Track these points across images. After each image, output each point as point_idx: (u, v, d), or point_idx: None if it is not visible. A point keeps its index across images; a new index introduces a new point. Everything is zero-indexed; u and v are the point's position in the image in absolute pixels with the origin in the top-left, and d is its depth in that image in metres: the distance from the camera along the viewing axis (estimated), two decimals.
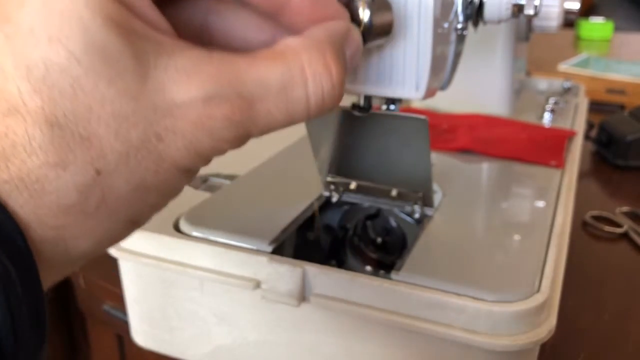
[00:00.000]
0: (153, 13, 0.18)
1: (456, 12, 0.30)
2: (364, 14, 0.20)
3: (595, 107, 0.78)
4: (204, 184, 0.40)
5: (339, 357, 0.29)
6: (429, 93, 0.28)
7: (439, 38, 0.28)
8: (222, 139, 0.18)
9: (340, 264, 0.37)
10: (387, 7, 0.22)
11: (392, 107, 0.30)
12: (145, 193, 0.18)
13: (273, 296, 0.29)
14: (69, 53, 0.16)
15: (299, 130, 0.44)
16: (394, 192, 0.33)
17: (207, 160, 0.19)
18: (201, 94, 0.17)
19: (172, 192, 0.19)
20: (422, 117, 0.28)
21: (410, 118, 0.29)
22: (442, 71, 0.30)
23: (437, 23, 0.27)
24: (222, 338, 0.33)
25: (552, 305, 0.28)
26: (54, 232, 0.17)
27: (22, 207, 0.16)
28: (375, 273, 0.28)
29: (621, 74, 0.87)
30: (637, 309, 0.41)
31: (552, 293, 0.27)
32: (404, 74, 0.28)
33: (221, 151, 0.19)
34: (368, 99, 0.30)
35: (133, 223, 0.18)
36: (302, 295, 0.29)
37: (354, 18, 0.21)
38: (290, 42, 0.19)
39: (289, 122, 0.20)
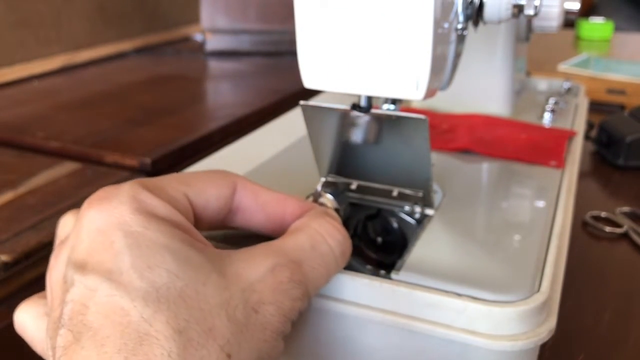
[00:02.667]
0: (201, 238, 0.23)
1: (456, 12, 0.30)
2: (331, 204, 0.31)
3: (595, 107, 0.78)
4: None
5: (338, 357, 0.29)
6: (429, 93, 0.28)
7: (439, 38, 0.28)
8: (296, 298, 0.23)
9: None
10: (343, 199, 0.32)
11: (392, 107, 0.30)
12: None
13: None
14: (168, 271, 0.20)
15: (299, 130, 0.44)
16: (394, 192, 0.33)
17: (292, 323, 0.23)
18: (267, 267, 0.23)
19: (277, 358, 0.23)
20: (422, 117, 0.28)
21: (410, 118, 0.29)
22: (442, 71, 0.30)
23: (437, 23, 0.27)
24: None
25: (552, 305, 0.28)
26: None
27: None
28: (375, 273, 0.28)
29: (621, 74, 0.87)
30: (637, 309, 0.41)
31: (552, 293, 0.27)
32: (404, 74, 0.28)
33: (297, 310, 0.23)
34: (368, 99, 0.30)
35: None
36: None
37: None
38: (299, 221, 0.26)
39: (328, 273, 0.25)
